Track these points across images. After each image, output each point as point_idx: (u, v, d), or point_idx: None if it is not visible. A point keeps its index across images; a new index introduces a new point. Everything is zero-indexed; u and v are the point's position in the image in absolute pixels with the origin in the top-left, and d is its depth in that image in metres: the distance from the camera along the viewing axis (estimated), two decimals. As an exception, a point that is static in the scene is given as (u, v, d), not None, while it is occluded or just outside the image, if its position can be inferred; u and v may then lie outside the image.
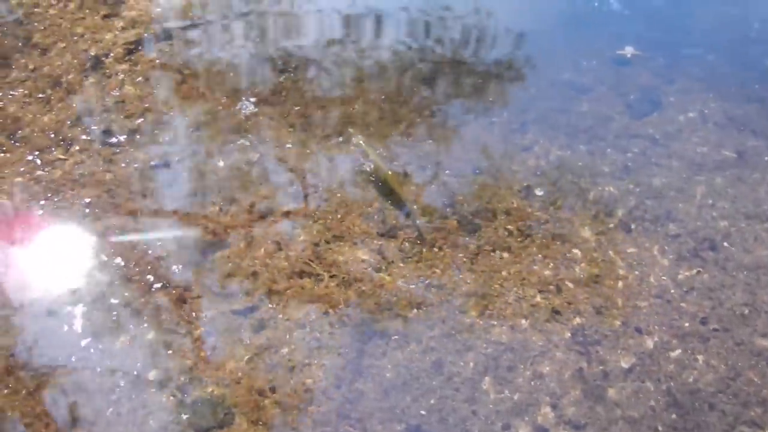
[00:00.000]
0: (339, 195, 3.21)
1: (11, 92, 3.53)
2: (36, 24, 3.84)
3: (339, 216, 3.15)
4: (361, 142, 3.38)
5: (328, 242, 3.06)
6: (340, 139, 3.44)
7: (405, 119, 3.56)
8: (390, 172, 3.24)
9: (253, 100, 3.56)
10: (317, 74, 3.75)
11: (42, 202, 3.16)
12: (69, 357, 2.72)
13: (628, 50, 3.92)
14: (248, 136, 3.42)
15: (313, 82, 3.70)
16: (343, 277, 2.96)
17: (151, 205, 3.15)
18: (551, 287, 2.98)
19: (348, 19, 4.09)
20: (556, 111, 3.60)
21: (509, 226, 3.14)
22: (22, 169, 3.26)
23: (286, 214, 3.13)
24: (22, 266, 2.97)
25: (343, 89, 3.67)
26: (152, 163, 3.30)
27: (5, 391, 2.63)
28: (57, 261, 2.99)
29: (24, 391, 2.64)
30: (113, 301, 2.87)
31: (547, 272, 3.02)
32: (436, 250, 3.06)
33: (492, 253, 3.06)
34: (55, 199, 3.17)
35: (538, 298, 2.95)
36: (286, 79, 3.70)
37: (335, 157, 3.37)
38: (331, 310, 2.87)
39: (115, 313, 2.84)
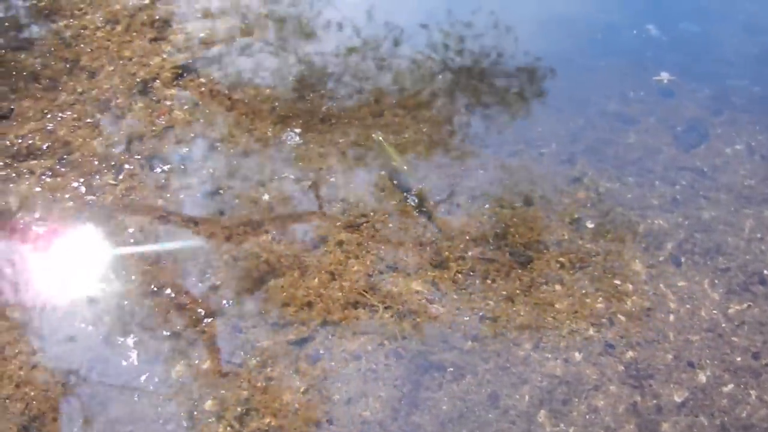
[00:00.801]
0: (391, 226, 3.23)
1: (60, 115, 3.54)
2: (83, 46, 3.86)
3: (392, 246, 3.16)
4: (380, 138, 3.41)
5: (381, 273, 3.07)
6: (392, 169, 3.45)
7: (453, 149, 3.57)
8: (406, 167, 3.29)
9: (297, 131, 3.57)
10: (366, 103, 3.76)
11: (93, 228, 3.17)
12: (124, 387, 2.73)
13: (664, 76, 3.93)
14: (298, 163, 3.43)
15: (362, 109, 3.72)
16: (398, 309, 2.97)
17: (203, 233, 3.16)
18: (604, 320, 2.99)
19: (403, 53, 4.09)
20: (604, 142, 3.61)
21: (561, 259, 3.15)
22: (71, 194, 3.27)
23: (339, 243, 3.14)
24: (73, 294, 2.98)
25: (395, 119, 3.68)
26: (202, 189, 3.31)
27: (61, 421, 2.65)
28: (108, 290, 2.99)
29: (81, 420, 2.65)
30: (166, 331, 2.88)
31: (599, 305, 3.03)
32: (489, 281, 3.07)
33: (544, 286, 3.07)
34: (107, 225, 3.18)
35: (591, 332, 2.96)
36: (335, 106, 3.71)
37: (386, 186, 3.38)
38: (386, 342, 2.88)
39: (169, 342, 2.85)
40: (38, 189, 3.27)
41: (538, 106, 3.79)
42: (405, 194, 3.33)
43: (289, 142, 3.48)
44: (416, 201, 3.31)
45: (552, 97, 3.83)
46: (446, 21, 4.23)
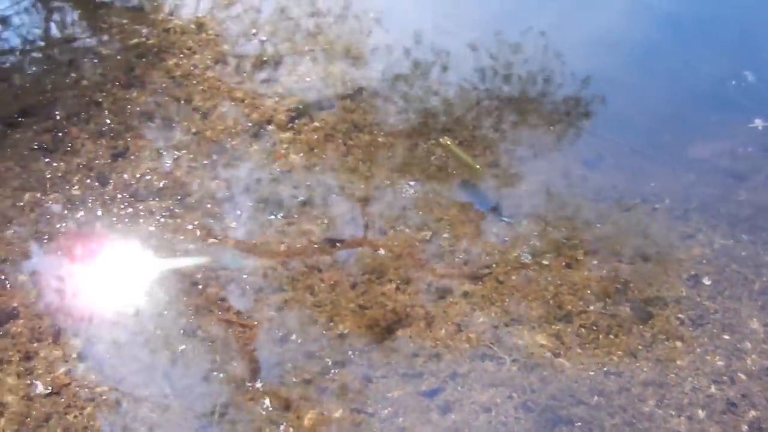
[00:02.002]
0: (514, 278, 3.28)
1: (176, 154, 3.61)
2: (195, 85, 3.92)
3: (515, 299, 3.21)
4: (448, 142, 3.48)
5: (507, 325, 3.12)
6: (512, 220, 3.51)
7: (572, 204, 3.63)
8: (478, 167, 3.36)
9: (414, 180, 3.63)
10: (492, 151, 3.82)
11: (215, 273, 3.22)
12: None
13: (758, 123, 3.99)
14: (417, 212, 3.49)
15: (479, 159, 3.77)
16: (525, 361, 3.02)
17: (327, 280, 3.22)
18: (725, 378, 3.04)
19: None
20: (716, 198, 3.66)
21: (680, 315, 3.20)
22: (192, 236, 3.32)
23: (464, 294, 3.19)
24: (190, 338, 3.03)
25: (506, 164, 3.74)
26: (324, 236, 3.37)
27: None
28: (229, 337, 3.04)
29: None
30: (296, 378, 2.92)
31: (719, 362, 3.08)
32: (611, 336, 3.12)
33: (666, 342, 3.12)
34: (229, 270, 3.23)
35: (713, 389, 3.00)
36: (450, 155, 3.77)
37: (507, 238, 3.44)
38: (515, 395, 2.93)
39: (298, 390, 2.89)
40: (158, 230, 3.32)
41: (650, 161, 3.84)
42: (524, 247, 3.39)
43: (406, 191, 3.54)
44: (534, 255, 3.36)
45: (663, 152, 3.89)
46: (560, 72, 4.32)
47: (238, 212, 3.43)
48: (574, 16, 4.69)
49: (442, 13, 4.61)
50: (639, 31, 4.58)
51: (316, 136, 3.75)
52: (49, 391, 2.81)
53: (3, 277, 3.13)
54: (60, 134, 3.67)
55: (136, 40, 4.14)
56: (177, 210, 3.41)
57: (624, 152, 3.87)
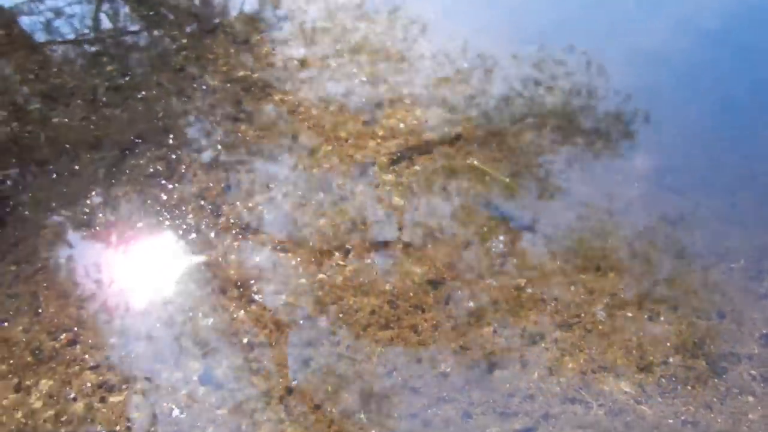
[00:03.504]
0: (601, 328, 3.56)
1: (285, 190, 3.89)
2: (300, 123, 4.20)
3: (602, 347, 3.50)
4: (475, 162, 3.76)
5: (594, 372, 3.41)
6: (598, 272, 3.79)
7: (654, 263, 3.90)
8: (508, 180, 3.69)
9: (502, 238, 3.91)
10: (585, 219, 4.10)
11: (325, 309, 3.52)
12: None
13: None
14: (512, 260, 3.78)
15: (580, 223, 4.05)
16: (610, 407, 3.31)
17: (429, 320, 3.51)
18: (792, 432, 3.33)
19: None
20: (790, 261, 3.96)
21: (752, 371, 3.49)
22: (303, 270, 3.61)
23: (555, 341, 3.49)
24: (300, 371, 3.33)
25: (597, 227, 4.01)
26: (426, 278, 3.66)
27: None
28: (343, 368, 3.34)
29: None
30: (397, 411, 3.23)
31: (787, 417, 3.37)
32: (689, 387, 3.41)
33: (739, 396, 3.41)
34: (338, 306, 3.53)
35: (781, 442, 3.30)
36: (554, 207, 4.05)
37: (595, 290, 3.72)
38: (602, 439, 3.23)
39: (404, 423, 3.19)
40: (270, 263, 3.62)
41: (727, 222, 4.11)
42: (609, 300, 3.67)
43: (502, 240, 3.83)
44: (619, 307, 3.65)
45: (740, 211, 4.15)
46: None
47: (347, 250, 3.72)
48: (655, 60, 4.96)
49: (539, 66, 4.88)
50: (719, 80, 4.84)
51: (416, 180, 4.03)
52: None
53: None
54: (173, 162, 3.95)
55: (242, 73, 4.41)
56: (292, 245, 3.70)
57: (702, 211, 4.14)
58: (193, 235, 3.68)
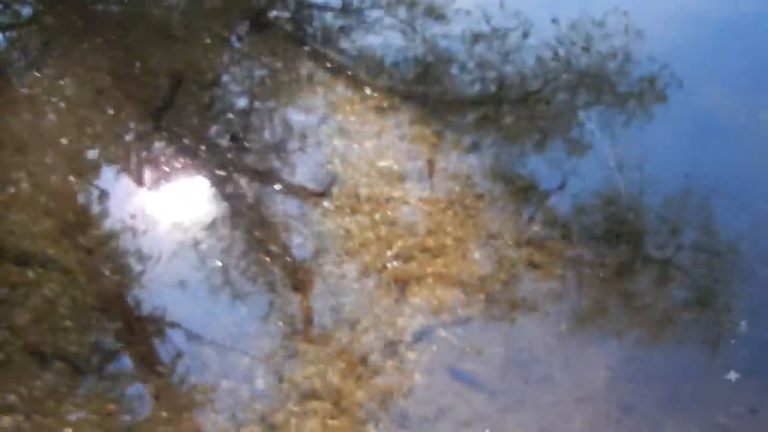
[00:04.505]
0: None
1: (331, 363, 4.89)
2: (342, 299, 5.14)
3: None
4: None
5: None
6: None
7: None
8: None
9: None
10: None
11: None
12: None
13: None
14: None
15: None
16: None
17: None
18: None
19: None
20: None
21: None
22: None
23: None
24: None
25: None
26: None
27: None
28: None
29: None
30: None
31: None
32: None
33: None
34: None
35: None
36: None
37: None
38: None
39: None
40: (320, 433, 4.63)
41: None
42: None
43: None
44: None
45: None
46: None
47: (382, 424, 4.66)
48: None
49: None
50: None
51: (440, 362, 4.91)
52: None
53: None
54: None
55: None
56: (337, 414, 4.72)
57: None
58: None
